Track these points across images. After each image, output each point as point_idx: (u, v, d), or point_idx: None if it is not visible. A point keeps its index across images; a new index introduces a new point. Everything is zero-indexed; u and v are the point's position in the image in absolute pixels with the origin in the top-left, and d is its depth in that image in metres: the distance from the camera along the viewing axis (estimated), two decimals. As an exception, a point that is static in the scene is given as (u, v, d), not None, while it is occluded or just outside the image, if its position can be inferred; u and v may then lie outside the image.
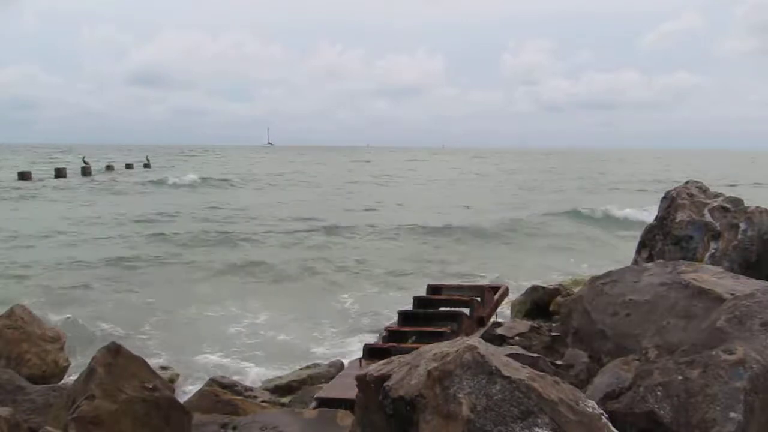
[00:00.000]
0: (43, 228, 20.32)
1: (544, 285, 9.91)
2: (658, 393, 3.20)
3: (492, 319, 7.53)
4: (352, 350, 8.64)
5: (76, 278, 13.25)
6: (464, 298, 7.37)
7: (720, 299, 4.24)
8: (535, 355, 4.96)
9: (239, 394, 6.49)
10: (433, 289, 8.01)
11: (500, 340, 6.49)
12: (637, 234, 8.27)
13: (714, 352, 3.27)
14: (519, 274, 13.84)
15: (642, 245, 7.86)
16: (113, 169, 51.02)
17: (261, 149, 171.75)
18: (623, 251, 13.52)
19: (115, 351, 4.09)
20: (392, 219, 23.42)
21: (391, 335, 6.64)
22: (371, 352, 6.08)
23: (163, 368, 7.91)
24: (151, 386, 4.05)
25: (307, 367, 7.93)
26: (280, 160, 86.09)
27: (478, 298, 7.42)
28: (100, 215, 23.96)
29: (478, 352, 2.89)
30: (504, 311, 9.04)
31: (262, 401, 6.30)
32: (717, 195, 7.73)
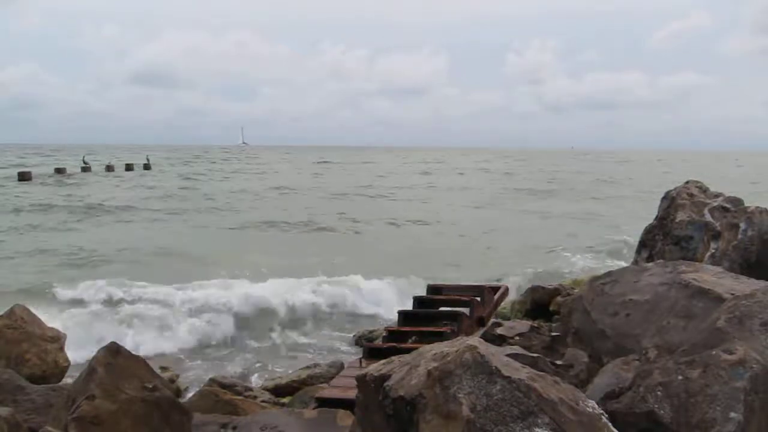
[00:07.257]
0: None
1: (544, 285, 9.91)
2: (658, 393, 3.20)
3: (492, 319, 7.53)
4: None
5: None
6: (464, 298, 7.36)
7: (720, 299, 4.23)
8: (535, 355, 4.94)
9: (239, 394, 6.49)
10: (433, 289, 8.00)
11: (500, 340, 6.47)
12: None
13: (714, 352, 3.26)
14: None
15: (642, 245, 7.86)
16: (113, 170, 50.98)
17: (238, 149, 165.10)
18: None
19: (115, 351, 4.09)
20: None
21: (391, 335, 6.64)
22: (371, 352, 6.08)
23: (163, 368, 7.92)
24: (151, 386, 4.04)
25: (307, 367, 7.93)
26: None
27: (478, 298, 7.42)
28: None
29: (478, 352, 2.89)
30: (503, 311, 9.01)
31: (262, 401, 6.31)
32: (717, 195, 7.73)
